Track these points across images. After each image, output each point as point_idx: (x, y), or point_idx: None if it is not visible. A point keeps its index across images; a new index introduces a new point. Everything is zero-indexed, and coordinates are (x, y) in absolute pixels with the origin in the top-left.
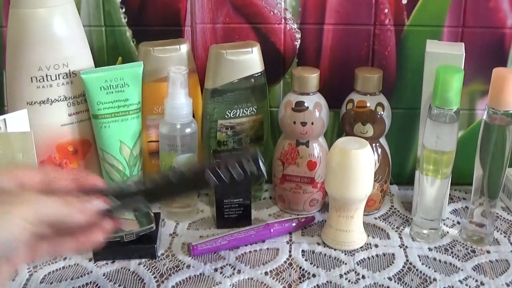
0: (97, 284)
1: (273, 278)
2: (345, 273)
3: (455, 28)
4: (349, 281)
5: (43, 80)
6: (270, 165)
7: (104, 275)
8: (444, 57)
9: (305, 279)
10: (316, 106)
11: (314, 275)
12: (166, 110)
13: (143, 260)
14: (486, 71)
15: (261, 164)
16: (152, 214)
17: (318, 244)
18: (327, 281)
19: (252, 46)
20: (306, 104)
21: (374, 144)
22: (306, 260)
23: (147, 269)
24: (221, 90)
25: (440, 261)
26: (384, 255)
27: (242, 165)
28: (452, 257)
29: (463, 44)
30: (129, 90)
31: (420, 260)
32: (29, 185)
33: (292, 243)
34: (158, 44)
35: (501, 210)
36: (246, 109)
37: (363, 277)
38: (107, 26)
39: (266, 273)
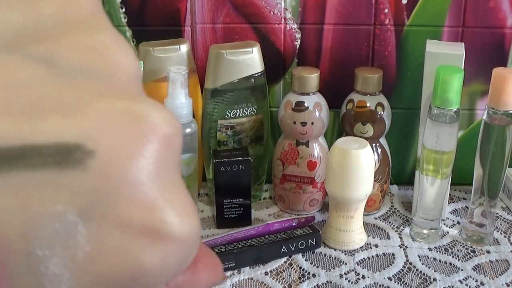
0: None
1: (273, 278)
2: (345, 273)
3: (455, 28)
4: (349, 281)
5: None
6: (270, 165)
7: None
8: (444, 57)
9: (305, 279)
10: (316, 106)
11: (314, 275)
12: None
13: None
14: (486, 71)
15: None
16: None
17: None
18: (327, 281)
19: (252, 46)
20: (306, 104)
21: (374, 144)
22: (306, 260)
23: None
24: (221, 90)
25: (440, 261)
26: (384, 255)
27: None
28: (452, 257)
29: (463, 44)
30: None
31: (420, 260)
32: None
33: None
34: (158, 44)
35: (501, 210)
36: (246, 109)
37: (363, 277)
38: None
39: (266, 273)
